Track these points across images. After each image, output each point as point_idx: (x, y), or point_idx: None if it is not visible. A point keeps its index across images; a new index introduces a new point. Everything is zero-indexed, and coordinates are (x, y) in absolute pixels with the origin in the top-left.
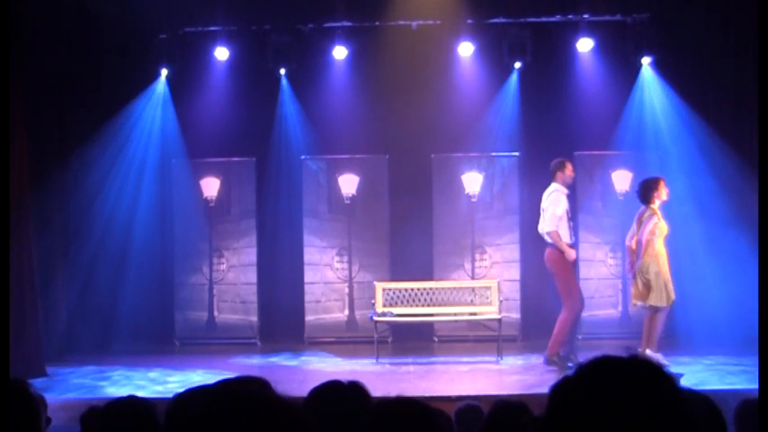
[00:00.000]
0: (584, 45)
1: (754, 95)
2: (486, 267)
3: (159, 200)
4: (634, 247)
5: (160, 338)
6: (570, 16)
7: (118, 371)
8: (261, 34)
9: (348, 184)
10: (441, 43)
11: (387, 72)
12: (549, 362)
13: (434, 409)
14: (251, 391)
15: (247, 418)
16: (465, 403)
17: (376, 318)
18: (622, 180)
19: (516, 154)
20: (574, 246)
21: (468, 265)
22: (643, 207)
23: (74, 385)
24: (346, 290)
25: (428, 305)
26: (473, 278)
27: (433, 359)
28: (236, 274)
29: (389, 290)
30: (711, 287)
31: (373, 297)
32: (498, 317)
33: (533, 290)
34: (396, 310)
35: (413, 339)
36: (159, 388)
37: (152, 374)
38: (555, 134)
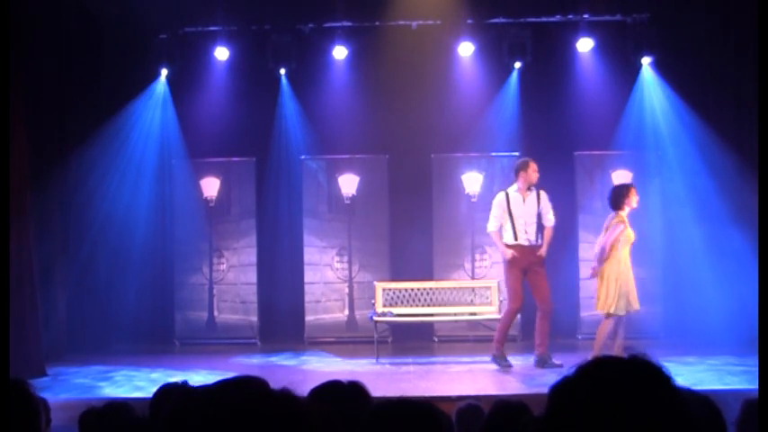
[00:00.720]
0: (584, 45)
1: (754, 95)
2: (486, 267)
3: (159, 200)
4: (597, 251)
5: (160, 338)
6: (570, 16)
7: (118, 371)
8: (261, 34)
9: (348, 184)
10: (441, 43)
11: (387, 72)
12: (545, 360)
13: (434, 408)
14: (253, 390)
15: (249, 417)
16: (466, 403)
17: (376, 318)
18: (622, 180)
19: (516, 154)
20: (538, 245)
21: (468, 265)
22: (612, 213)
23: (74, 385)
24: (346, 290)
25: (428, 305)
26: (473, 278)
27: (433, 359)
28: (236, 274)
29: (389, 290)
30: (715, 287)
31: (373, 297)
32: (498, 317)
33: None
34: (396, 310)
35: (413, 339)
36: None
37: (154, 375)
38: (555, 134)
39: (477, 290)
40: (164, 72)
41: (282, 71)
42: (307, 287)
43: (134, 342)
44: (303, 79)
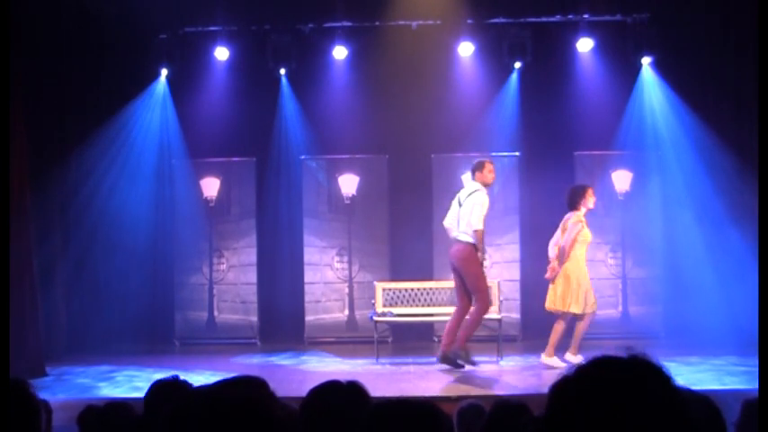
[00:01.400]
0: (584, 45)
1: (754, 95)
2: (486, 267)
3: (159, 200)
4: (556, 252)
5: (160, 338)
6: (570, 16)
7: (119, 371)
8: (261, 34)
9: (348, 184)
10: (441, 43)
11: (387, 72)
12: (453, 358)
13: (434, 408)
14: (248, 399)
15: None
16: (468, 402)
17: (376, 318)
18: (622, 180)
19: (516, 154)
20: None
21: None
22: (569, 213)
23: (74, 385)
24: (346, 290)
25: (428, 305)
26: None
27: (433, 359)
28: (236, 274)
29: (389, 290)
30: (715, 287)
31: (373, 297)
32: (498, 317)
33: (533, 290)
34: (396, 310)
35: (413, 339)
36: None
37: (156, 375)
38: (555, 134)
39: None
40: (164, 72)
41: (282, 71)
42: (307, 287)
43: (134, 342)
44: (303, 79)
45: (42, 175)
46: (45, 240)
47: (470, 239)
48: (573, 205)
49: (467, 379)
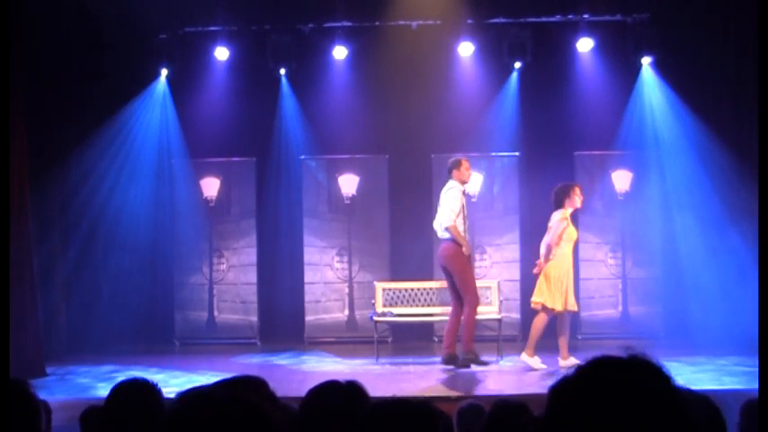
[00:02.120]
0: (584, 45)
1: (754, 95)
2: (486, 267)
3: (159, 200)
4: (543, 250)
5: (160, 338)
6: (570, 16)
7: (118, 371)
8: (261, 34)
9: (348, 184)
10: (441, 43)
11: (387, 72)
12: (462, 363)
13: (432, 407)
14: (247, 399)
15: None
16: (467, 402)
17: (376, 318)
18: (622, 180)
19: (516, 154)
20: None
21: None
22: (556, 212)
23: (74, 385)
24: (346, 290)
25: (428, 305)
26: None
27: (433, 359)
28: (236, 274)
29: (389, 290)
30: (714, 287)
31: (373, 297)
32: (498, 317)
33: (533, 290)
34: (396, 310)
35: (413, 339)
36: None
37: (156, 376)
38: (555, 134)
39: (478, 290)
40: (164, 72)
41: (282, 71)
42: (307, 287)
43: (134, 342)
44: (303, 79)
45: (42, 175)
46: (45, 240)
47: (449, 236)
48: (558, 204)
49: (467, 379)
